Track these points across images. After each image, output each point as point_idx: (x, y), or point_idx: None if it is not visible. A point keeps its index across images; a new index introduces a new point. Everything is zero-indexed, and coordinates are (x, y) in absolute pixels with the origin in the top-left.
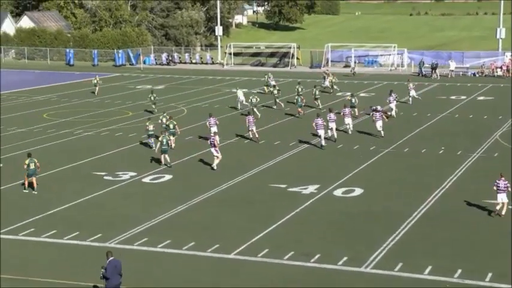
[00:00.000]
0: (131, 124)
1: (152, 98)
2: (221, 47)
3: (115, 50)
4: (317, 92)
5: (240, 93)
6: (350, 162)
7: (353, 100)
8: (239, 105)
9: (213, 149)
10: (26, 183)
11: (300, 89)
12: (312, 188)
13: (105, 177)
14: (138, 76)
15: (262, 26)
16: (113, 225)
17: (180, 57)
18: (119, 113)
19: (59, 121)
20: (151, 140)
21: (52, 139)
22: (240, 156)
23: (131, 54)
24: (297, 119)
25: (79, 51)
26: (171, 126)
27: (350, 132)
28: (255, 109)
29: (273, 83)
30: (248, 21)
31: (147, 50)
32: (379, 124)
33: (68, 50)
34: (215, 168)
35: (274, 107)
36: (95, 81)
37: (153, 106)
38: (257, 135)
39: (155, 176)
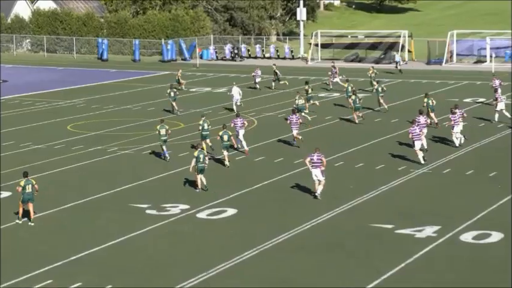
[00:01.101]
0: (183, 139)
1: (172, 94)
2: (305, 36)
3: (162, 40)
4: (380, 89)
5: (236, 91)
6: (483, 194)
7: (431, 103)
8: (235, 106)
9: (317, 171)
10: (21, 211)
11: (350, 88)
12: (429, 230)
13: (148, 211)
14: (193, 75)
15: (361, 7)
16: (157, 275)
17: (249, 50)
18: (167, 124)
19: (87, 135)
20: (165, 149)
21: (78, 159)
22: (329, 182)
23: (184, 46)
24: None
25: (115, 42)
26: (226, 137)
27: (462, 142)
28: (303, 113)
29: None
30: (341, 2)
31: (206, 41)
32: (457, 129)
33: (100, 40)
34: (319, 197)
35: None
36: (178, 76)
37: (174, 104)
38: (300, 137)
39: (214, 209)
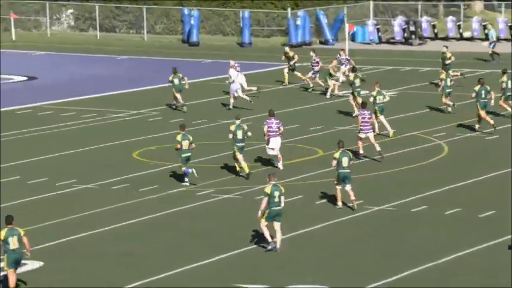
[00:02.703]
0: (324, 176)
1: (176, 81)
2: None
3: (289, 11)
4: (448, 82)
5: (237, 76)
6: None
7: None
8: (232, 99)
9: None
10: (12, 280)
11: (448, 81)
12: None
13: None
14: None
15: None
16: None
17: (434, 26)
18: (302, 151)
19: (164, 168)
20: (190, 170)
21: (149, 208)
22: None
23: (324, 21)
24: None
25: (211, 14)
26: (345, 161)
27: None
28: (383, 120)
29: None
30: None
31: (361, 11)
32: None
33: (186, 11)
34: None
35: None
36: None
37: (178, 96)
38: (378, 148)
39: None
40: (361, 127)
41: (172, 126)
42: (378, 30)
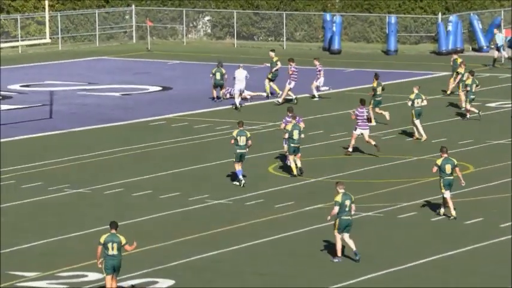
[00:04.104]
0: (476, 194)
1: (218, 75)
2: None
3: (439, 16)
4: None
5: (242, 76)
6: None
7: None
8: (237, 99)
9: None
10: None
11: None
12: None
13: None
14: (491, 78)
15: None
16: None
17: None
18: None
19: (303, 181)
20: (240, 168)
21: (284, 226)
22: None
23: (478, 26)
24: None
25: (354, 20)
26: (448, 168)
27: None
28: (418, 124)
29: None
30: None
31: None
32: None
33: (328, 17)
34: None
35: None
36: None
37: (214, 93)
38: (373, 142)
39: None
40: (357, 123)
41: (311, 139)
42: None
